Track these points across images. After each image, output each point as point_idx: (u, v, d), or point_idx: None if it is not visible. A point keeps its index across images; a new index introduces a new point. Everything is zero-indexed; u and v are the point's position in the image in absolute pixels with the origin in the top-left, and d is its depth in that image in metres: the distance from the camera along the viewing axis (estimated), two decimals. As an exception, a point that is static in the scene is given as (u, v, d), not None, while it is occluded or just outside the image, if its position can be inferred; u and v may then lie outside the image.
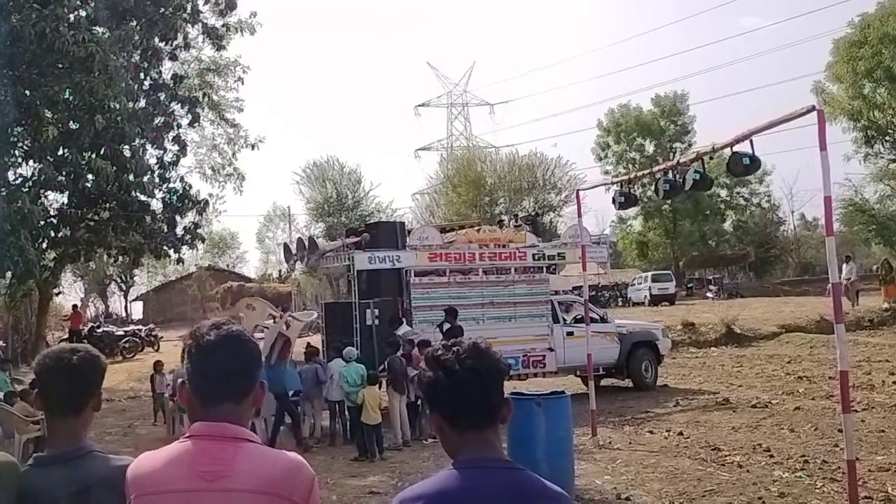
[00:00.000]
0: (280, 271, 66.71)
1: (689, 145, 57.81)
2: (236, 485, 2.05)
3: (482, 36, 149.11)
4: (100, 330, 30.92)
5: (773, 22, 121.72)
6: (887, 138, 49.40)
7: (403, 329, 14.37)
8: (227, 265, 73.55)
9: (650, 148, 60.03)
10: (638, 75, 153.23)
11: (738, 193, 59.06)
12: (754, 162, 8.95)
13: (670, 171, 10.43)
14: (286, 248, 19.22)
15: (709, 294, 46.13)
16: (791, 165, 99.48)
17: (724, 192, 57.48)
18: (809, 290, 33.98)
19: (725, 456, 10.37)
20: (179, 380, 2.43)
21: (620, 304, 44.34)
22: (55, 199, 20.36)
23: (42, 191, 18.47)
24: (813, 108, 7.74)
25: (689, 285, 52.06)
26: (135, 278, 67.57)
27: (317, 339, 17.67)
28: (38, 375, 2.48)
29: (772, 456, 10.21)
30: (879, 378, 16.30)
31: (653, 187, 10.86)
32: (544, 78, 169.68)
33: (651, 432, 12.37)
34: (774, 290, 42.73)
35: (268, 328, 14.04)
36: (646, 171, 11.55)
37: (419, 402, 12.78)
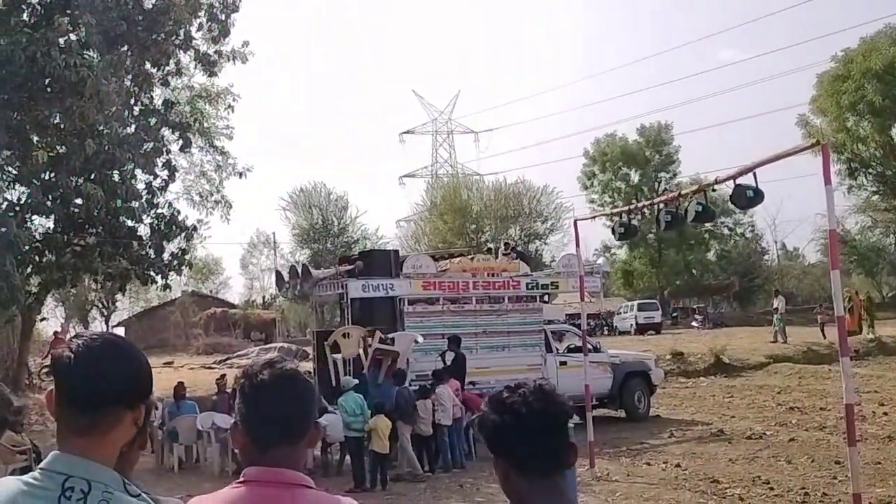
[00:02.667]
0: (264, 297, 66.38)
1: (674, 175, 58.17)
2: None
3: (467, 64, 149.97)
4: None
5: (753, 55, 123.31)
6: (870, 171, 50.03)
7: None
8: (211, 291, 73.03)
9: (635, 177, 60.26)
10: (622, 105, 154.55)
11: (722, 223, 59.31)
12: (758, 195, 8.96)
13: (671, 203, 10.44)
14: (279, 275, 19.07)
15: (694, 323, 46.21)
16: (774, 195, 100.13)
17: (708, 223, 57.76)
18: (793, 320, 34.07)
19: (725, 489, 10.30)
20: (232, 421, 2.34)
21: (606, 332, 44.29)
22: (41, 224, 20.13)
23: (29, 215, 18.27)
24: (818, 143, 7.77)
25: (674, 314, 52.15)
26: (117, 304, 66.94)
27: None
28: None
29: (772, 488, 10.16)
30: (870, 409, 16.34)
31: (653, 218, 10.82)
32: (529, 107, 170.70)
33: (648, 464, 12.30)
34: (758, 319, 42.80)
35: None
36: (647, 202, 11.57)
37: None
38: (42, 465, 1.84)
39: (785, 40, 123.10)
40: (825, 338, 28.36)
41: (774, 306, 31.25)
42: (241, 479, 2.06)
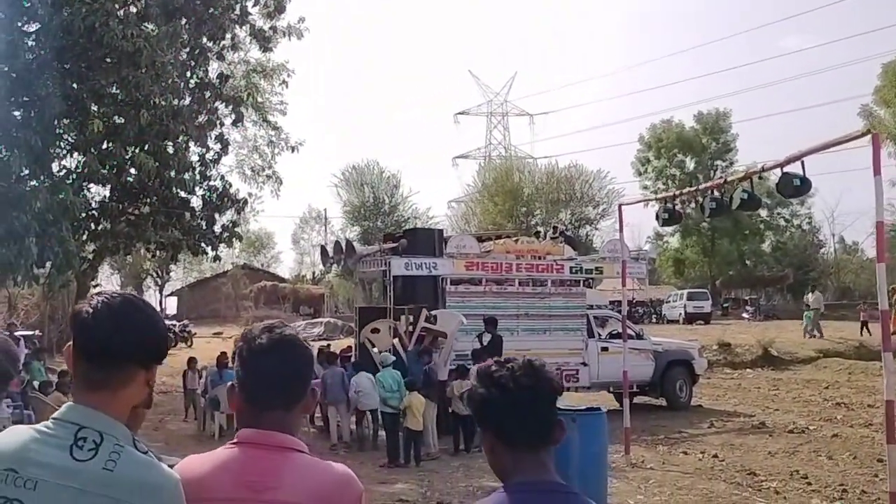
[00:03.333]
0: (314, 273, 67.03)
1: (731, 163, 57.12)
2: (283, 496, 1.98)
3: (524, 46, 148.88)
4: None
5: (818, 43, 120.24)
6: (934, 165, 48.57)
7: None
8: (262, 265, 73.97)
9: (691, 165, 59.44)
10: (681, 92, 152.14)
11: (778, 214, 58.23)
12: (805, 183, 8.78)
13: (716, 190, 10.28)
14: (323, 250, 19.26)
15: (745, 314, 45.55)
16: (834, 188, 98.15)
17: (764, 213, 56.71)
18: (848, 315, 33.47)
19: (762, 481, 10.17)
20: (229, 383, 2.39)
21: (655, 320, 43.89)
22: (97, 192, 20.50)
23: (85, 183, 18.62)
24: (868, 132, 7.58)
25: (725, 305, 51.42)
26: (170, 274, 68.18)
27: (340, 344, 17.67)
28: None
29: (809, 483, 10.01)
30: (919, 408, 15.93)
31: (697, 205, 10.66)
32: (585, 91, 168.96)
33: (685, 453, 12.19)
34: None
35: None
36: (691, 189, 11.39)
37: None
38: (55, 414, 1.90)
39: (851, 29, 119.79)
40: (862, 335, 27.91)
41: (807, 302, 30.78)
42: (235, 440, 2.09)
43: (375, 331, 14.30)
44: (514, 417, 1.98)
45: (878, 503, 8.85)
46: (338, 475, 2.07)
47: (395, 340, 14.21)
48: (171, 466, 2.17)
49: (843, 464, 11.23)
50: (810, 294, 31.52)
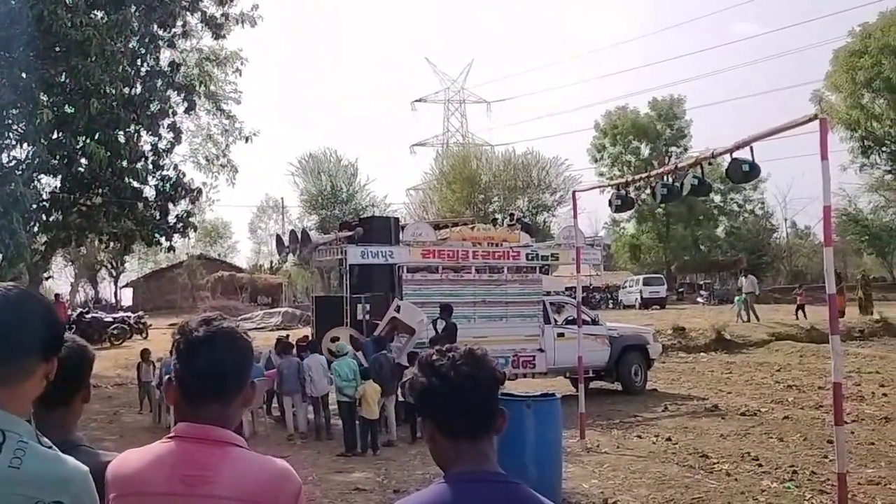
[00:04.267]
0: (272, 262, 66.54)
1: (685, 149, 57.90)
2: (219, 491, 1.97)
3: (481, 33, 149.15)
4: (88, 316, 30.76)
5: (771, 29, 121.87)
6: (884, 149, 49.64)
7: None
8: (219, 255, 73.30)
9: (646, 151, 60.10)
10: (636, 78, 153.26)
11: (731, 199, 59.15)
12: (754, 169, 8.90)
13: (668, 176, 10.39)
14: (279, 239, 19.12)
15: (699, 299, 46.22)
16: (786, 173, 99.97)
17: (717, 198, 57.60)
18: (813, 299, 34.13)
19: (714, 463, 10.33)
20: (166, 376, 2.37)
21: (611, 306, 44.35)
22: (48, 183, 20.15)
23: (35, 174, 18.29)
24: (815, 117, 7.68)
25: (680, 290, 52.11)
26: (125, 265, 67.25)
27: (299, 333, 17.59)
28: None
29: (760, 465, 10.17)
30: (869, 390, 16.31)
31: (649, 191, 10.77)
32: (542, 78, 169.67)
33: (639, 437, 12.33)
34: (765, 297, 42.72)
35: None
36: (643, 175, 11.48)
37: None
38: None
39: (802, 15, 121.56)
40: (797, 318, 28.57)
41: (740, 287, 31.36)
42: (171, 434, 2.07)
43: (335, 339, 14.27)
44: (454, 407, 1.97)
45: (826, 484, 9.01)
46: (275, 470, 2.06)
47: (353, 331, 14.20)
48: (107, 462, 2.16)
49: (793, 445, 11.42)
50: (744, 278, 32.09)
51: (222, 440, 2.03)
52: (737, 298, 30.76)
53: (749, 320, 28.76)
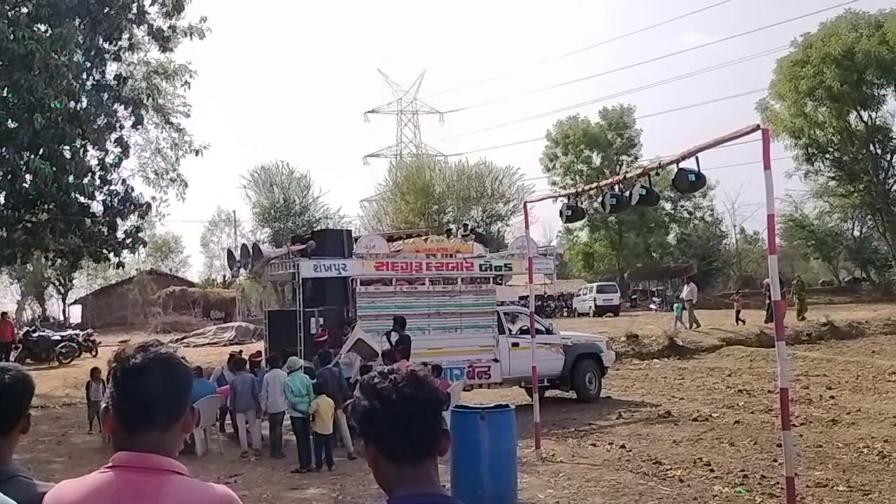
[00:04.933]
0: (224, 276, 65.81)
1: (636, 158, 58.53)
2: None
3: (433, 44, 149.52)
4: (35, 334, 30.03)
5: (717, 39, 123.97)
6: (827, 156, 50.67)
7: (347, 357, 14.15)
8: (170, 269, 72.26)
9: (597, 160, 60.61)
10: (586, 88, 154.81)
11: (682, 207, 59.87)
12: (700, 178, 9.03)
13: (617, 186, 10.50)
14: (230, 254, 18.91)
15: (652, 306, 46.69)
16: (734, 180, 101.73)
17: (668, 206, 58.30)
18: (750, 304, 34.72)
19: (667, 470, 10.44)
20: (103, 405, 2.32)
21: (566, 314, 44.58)
22: (-9, 200, 19.77)
23: (-23, 191, 17.94)
24: (758, 127, 7.82)
25: (633, 296, 52.58)
26: (74, 281, 65.93)
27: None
28: None
29: (712, 470, 10.31)
30: (817, 393, 16.60)
31: (600, 201, 10.88)
32: (495, 88, 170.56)
33: (594, 445, 12.41)
34: (716, 302, 43.37)
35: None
36: (593, 185, 11.59)
37: None
38: None
39: (748, 25, 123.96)
40: (737, 323, 29.21)
41: (681, 295, 31.85)
42: (110, 463, 2.03)
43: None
44: (396, 430, 1.94)
45: (776, 487, 9.16)
46: (217, 497, 2.02)
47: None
48: (43, 493, 2.10)
49: (744, 450, 11.60)
50: (686, 286, 32.59)
51: (162, 468, 1.99)
52: (675, 306, 31.14)
53: (692, 327, 29.10)
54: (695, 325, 29.35)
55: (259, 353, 16.30)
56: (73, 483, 2.05)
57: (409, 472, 1.94)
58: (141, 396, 2.03)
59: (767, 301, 32.08)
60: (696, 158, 8.83)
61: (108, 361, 2.17)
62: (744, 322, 29.49)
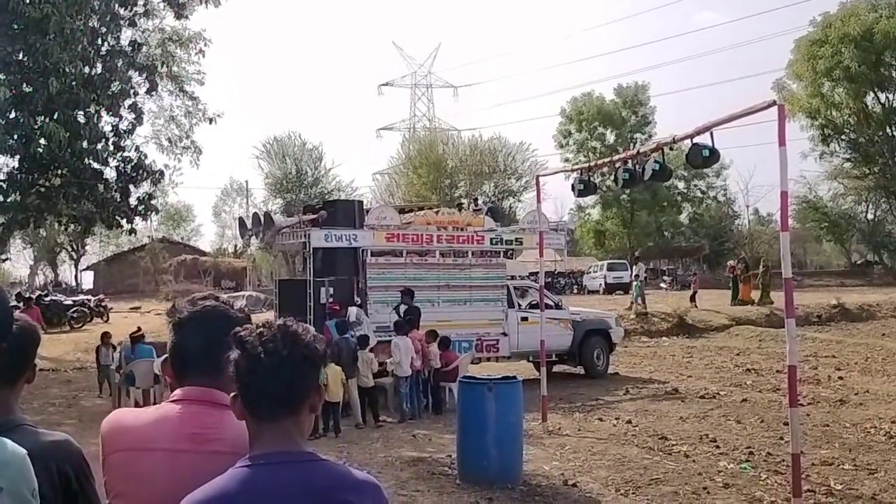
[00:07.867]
0: (235, 246, 66.15)
1: (650, 136, 58.11)
2: (223, 448, 2.01)
3: (449, 17, 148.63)
4: (47, 299, 30.32)
5: (734, 18, 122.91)
6: (843, 137, 50.33)
7: (354, 314, 14.22)
8: (182, 238, 72.64)
9: (611, 137, 60.26)
10: (601, 65, 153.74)
11: (695, 186, 59.58)
12: (713, 154, 8.98)
13: (630, 161, 10.45)
14: (241, 222, 18.97)
15: (662, 284, 46.61)
16: (748, 161, 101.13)
17: (681, 185, 58.06)
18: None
19: (672, 445, 10.46)
20: (164, 356, 2.39)
21: (576, 291, 44.60)
22: (5, 164, 19.80)
23: (-9, 154, 18.02)
24: (774, 103, 7.76)
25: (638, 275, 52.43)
26: (86, 247, 66.36)
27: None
28: None
29: (718, 447, 10.32)
30: (825, 373, 16.61)
31: (612, 176, 10.84)
32: (509, 63, 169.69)
33: (600, 419, 12.45)
34: (726, 282, 43.19)
35: None
36: (606, 160, 11.55)
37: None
38: None
39: (765, 4, 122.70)
40: (693, 305, 29.11)
41: (635, 273, 31.30)
42: (173, 398, 2.16)
43: None
44: (256, 384, 1.86)
45: (781, 464, 9.17)
46: None
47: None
48: (50, 441, 2.17)
49: (750, 427, 11.61)
50: (635, 266, 32.16)
51: (222, 402, 2.06)
52: (634, 285, 30.35)
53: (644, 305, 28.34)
54: (639, 303, 28.58)
55: (268, 322, 16.35)
56: (135, 411, 2.23)
57: (266, 430, 1.88)
58: (192, 344, 2.18)
59: (731, 284, 32.22)
60: (711, 134, 8.77)
61: (166, 312, 2.29)
62: (697, 305, 29.14)
